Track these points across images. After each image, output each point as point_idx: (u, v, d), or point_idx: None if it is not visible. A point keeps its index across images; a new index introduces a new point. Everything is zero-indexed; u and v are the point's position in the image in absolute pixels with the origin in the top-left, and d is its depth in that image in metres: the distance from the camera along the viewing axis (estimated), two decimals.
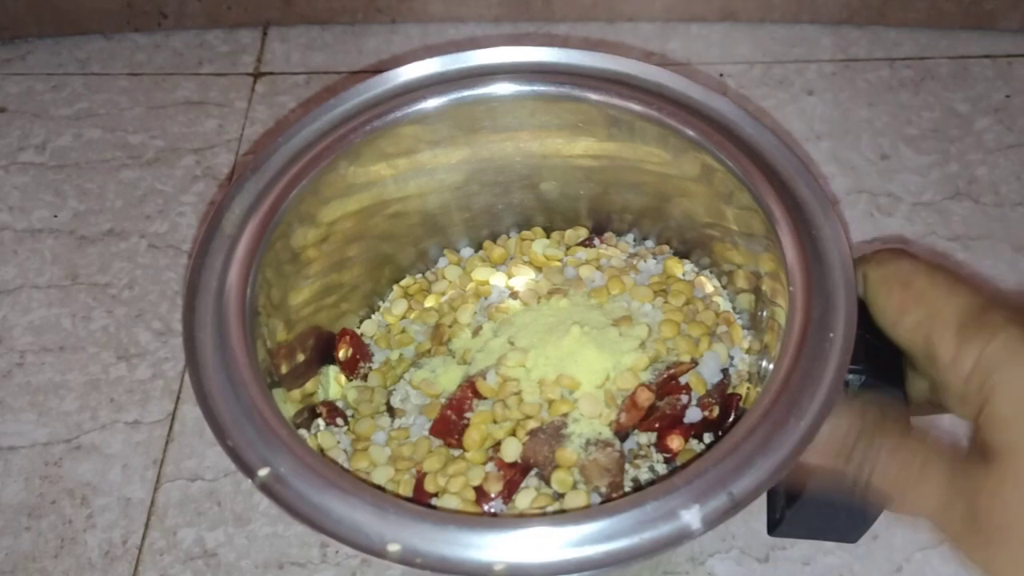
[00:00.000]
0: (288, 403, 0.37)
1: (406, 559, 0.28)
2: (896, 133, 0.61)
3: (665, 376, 0.38)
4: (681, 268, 0.44)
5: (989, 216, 0.57)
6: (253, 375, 0.32)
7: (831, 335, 0.31)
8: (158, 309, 0.55)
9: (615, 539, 0.28)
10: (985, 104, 0.63)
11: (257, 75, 0.67)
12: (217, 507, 0.48)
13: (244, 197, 0.37)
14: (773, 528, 0.41)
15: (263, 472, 0.30)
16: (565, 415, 0.37)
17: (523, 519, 0.30)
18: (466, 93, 0.39)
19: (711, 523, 0.28)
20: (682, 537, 0.28)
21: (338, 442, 0.39)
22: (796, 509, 0.39)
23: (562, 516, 0.29)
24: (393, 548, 0.28)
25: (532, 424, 0.37)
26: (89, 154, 0.63)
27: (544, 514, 0.34)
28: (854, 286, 0.32)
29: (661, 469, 0.36)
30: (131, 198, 0.61)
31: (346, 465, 0.38)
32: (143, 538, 0.47)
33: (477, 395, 0.38)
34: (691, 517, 0.28)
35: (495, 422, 0.37)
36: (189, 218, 0.59)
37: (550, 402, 0.37)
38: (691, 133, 0.37)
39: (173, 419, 0.51)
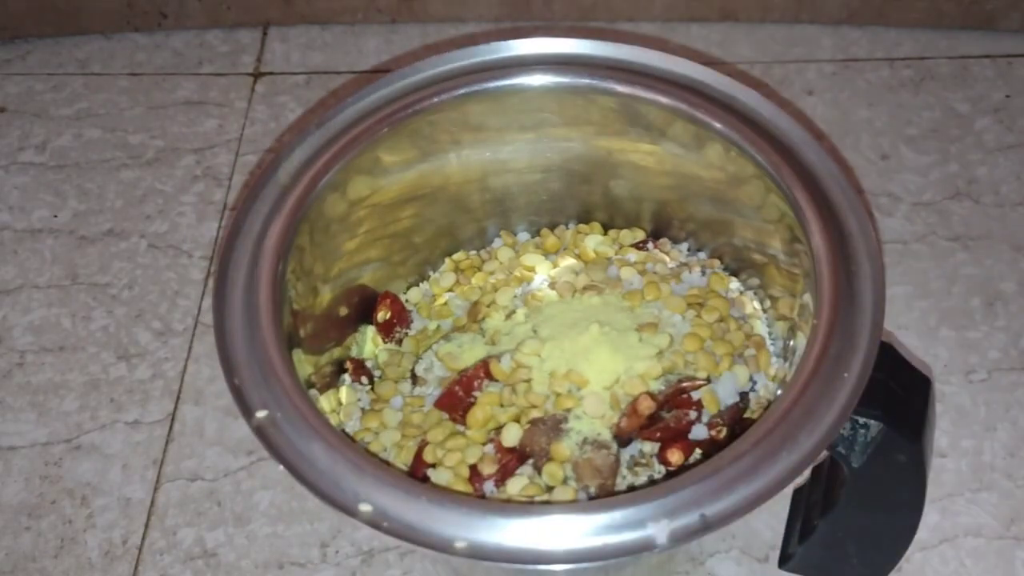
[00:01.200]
0: (318, 355, 0.38)
1: (374, 521, 0.28)
2: (896, 133, 0.61)
3: (675, 389, 0.37)
4: (725, 284, 0.43)
5: (989, 216, 0.57)
6: (272, 322, 0.33)
7: (845, 375, 0.30)
8: (158, 309, 0.55)
9: (576, 537, 0.28)
10: (985, 104, 0.63)
11: (257, 75, 0.67)
12: (217, 507, 0.48)
13: (304, 150, 0.37)
14: (784, 562, 0.40)
15: (260, 414, 0.30)
16: (568, 410, 0.37)
17: (489, 503, 0.30)
18: (533, 82, 0.39)
19: (678, 540, 0.27)
20: (644, 548, 0.27)
21: (358, 399, 0.40)
22: (808, 546, 0.38)
23: (528, 507, 0.29)
24: (364, 508, 0.29)
25: (536, 413, 0.37)
26: (89, 154, 0.63)
27: (515, 502, 0.35)
28: (881, 331, 0.31)
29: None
30: (131, 198, 0.61)
31: (358, 422, 0.39)
32: (143, 538, 0.47)
33: (489, 376, 0.39)
34: (658, 531, 0.28)
35: (501, 405, 0.38)
36: (189, 218, 0.59)
37: (557, 395, 0.37)
38: (754, 154, 0.37)
39: (173, 419, 0.51)
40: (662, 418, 0.37)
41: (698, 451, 0.37)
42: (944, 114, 0.62)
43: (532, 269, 0.44)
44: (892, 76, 0.65)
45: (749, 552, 0.45)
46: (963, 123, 0.62)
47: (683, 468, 0.36)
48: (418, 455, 0.37)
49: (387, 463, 0.37)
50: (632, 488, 0.36)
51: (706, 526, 0.28)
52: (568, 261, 0.44)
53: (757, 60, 0.66)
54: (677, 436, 0.37)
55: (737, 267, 0.44)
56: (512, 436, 0.36)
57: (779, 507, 0.42)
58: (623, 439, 0.37)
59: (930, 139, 0.61)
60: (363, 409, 0.40)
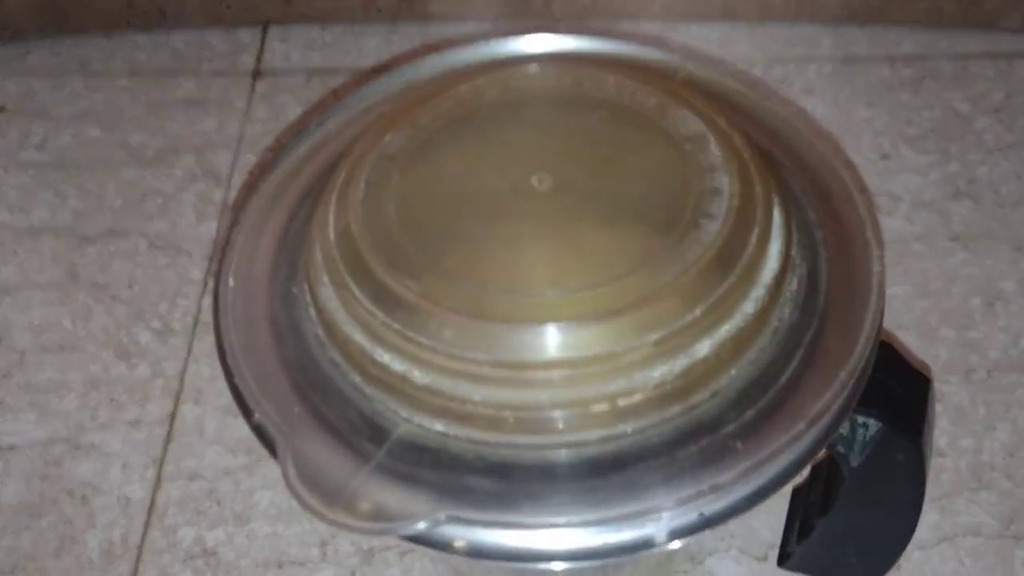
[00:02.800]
0: None
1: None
2: (896, 133, 0.61)
3: None
4: None
5: (989, 216, 0.57)
6: (269, 318, 0.33)
7: (843, 374, 0.29)
8: (158, 309, 0.55)
9: (575, 535, 0.28)
10: (985, 104, 0.63)
11: (257, 75, 0.67)
12: (217, 506, 0.48)
13: (302, 148, 0.37)
14: (783, 561, 0.40)
15: (260, 415, 0.30)
16: None
17: None
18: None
19: (676, 536, 0.28)
20: (644, 546, 0.27)
21: None
22: (807, 546, 0.38)
23: None
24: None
25: None
26: (89, 154, 0.63)
27: None
28: (880, 330, 0.30)
29: None
30: (131, 198, 0.61)
31: None
32: (143, 537, 0.47)
33: None
34: (657, 528, 0.28)
35: None
36: (189, 218, 0.59)
37: None
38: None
39: (173, 419, 0.51)
40: None
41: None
42: (944, 114, 0.62)
43: None
44: (892, 76, 0.65)
45: (748, 551, 0.45)
46: (963, 123, 0.62)
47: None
48: None
49: None
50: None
51: (706, 522, 0.28)
52: None
53: (757, 60, 0.66)
54: None
55: None
56: None
57: (778, 506, 0.42)
58: None
59: (930, 139, 0.61)
60: None
